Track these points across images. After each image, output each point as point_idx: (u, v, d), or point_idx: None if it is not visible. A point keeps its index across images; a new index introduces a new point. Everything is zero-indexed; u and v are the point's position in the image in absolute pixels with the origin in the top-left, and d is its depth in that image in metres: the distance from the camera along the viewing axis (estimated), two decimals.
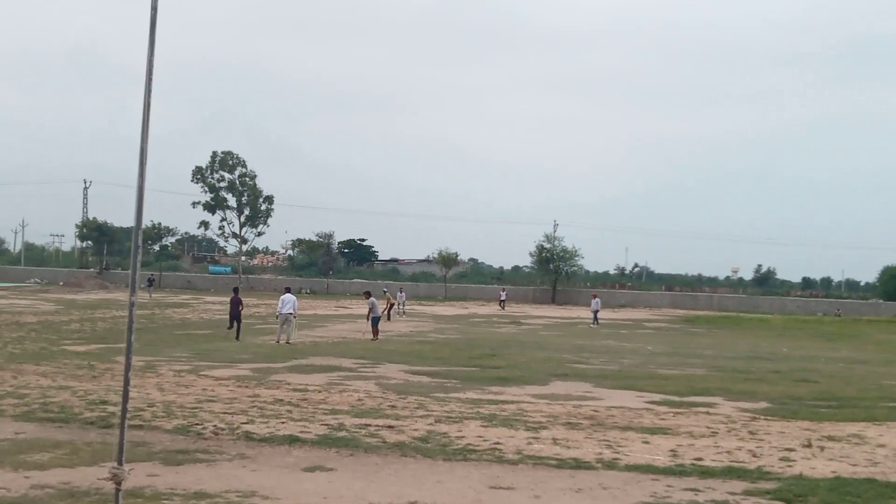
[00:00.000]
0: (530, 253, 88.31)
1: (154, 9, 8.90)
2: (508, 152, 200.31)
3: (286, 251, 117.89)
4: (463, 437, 13.38)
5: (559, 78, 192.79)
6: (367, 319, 34.45)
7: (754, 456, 12.59)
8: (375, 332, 33.57)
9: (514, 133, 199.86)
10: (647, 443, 13.41)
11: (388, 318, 42.26)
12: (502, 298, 67.43)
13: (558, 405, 17.51)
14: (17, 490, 9.60)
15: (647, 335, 42.60)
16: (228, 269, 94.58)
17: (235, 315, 32.31)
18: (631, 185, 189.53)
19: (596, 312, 49.73)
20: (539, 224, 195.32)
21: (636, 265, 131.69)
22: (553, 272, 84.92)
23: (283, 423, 14.22)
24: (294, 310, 30.57)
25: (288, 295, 30.98)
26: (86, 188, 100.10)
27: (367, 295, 36.36)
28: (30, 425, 13.55)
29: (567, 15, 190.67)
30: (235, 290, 34.84)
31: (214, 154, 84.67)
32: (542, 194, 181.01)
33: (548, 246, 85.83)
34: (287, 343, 29.09)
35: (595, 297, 52.60)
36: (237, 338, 30.97)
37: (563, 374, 23.21)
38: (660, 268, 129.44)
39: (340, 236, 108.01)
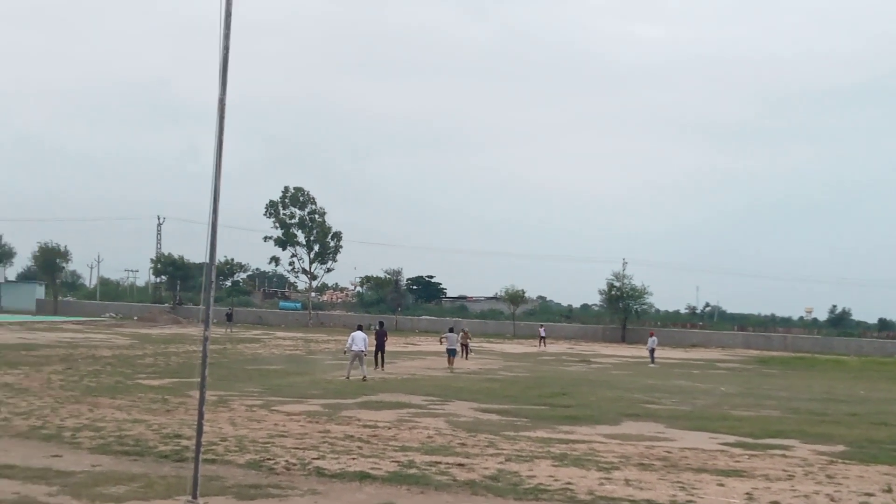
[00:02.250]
0: (599, 291, 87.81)
1: (226, 48, 9.09)
2: (576, 189, 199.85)
3: (355, 287, 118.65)
4: (534, 476, 13.28)
5: (627, 114, 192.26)
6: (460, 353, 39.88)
7: (832, 501, 12.32)
8: (450, 361, 37.73)
9: (581, 170, 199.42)
10: (721, 485, 13.19)
11: (466, 357, 42.46)
12: (542, 335, 66.89)
13: (630, 445, 17.30)
14: None
15: (720, 375, 41.96)
16: (299, 304, 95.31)
17: (380, 346, 34.66)
18: (702, 223, 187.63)
19: (652, 351, 48.95)
20: (608, 262, 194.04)
21: (707, 304, 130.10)
22: (622, 311, 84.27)
23: (353, 459, 14.25)
24: (365, 347, 30.73)
25: (359, 332, 31.12)
26: (159, 224, 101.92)
27: (451, 330, 40.13)
28: (106, 458, 13.75)
29: (634, 51, 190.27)
30: (381, 324, 37.22)
31: (286, 189, 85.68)
32: (610, 232, 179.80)
33: (617, 284, 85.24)
34: (363, 380, 29.14)
35: (652, 335, 51.64)
36: (381, 366, 34.17)
37: (634, 414, 22.96)
38: (732, 307, 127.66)
39: (409, 273, 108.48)
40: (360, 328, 32.18)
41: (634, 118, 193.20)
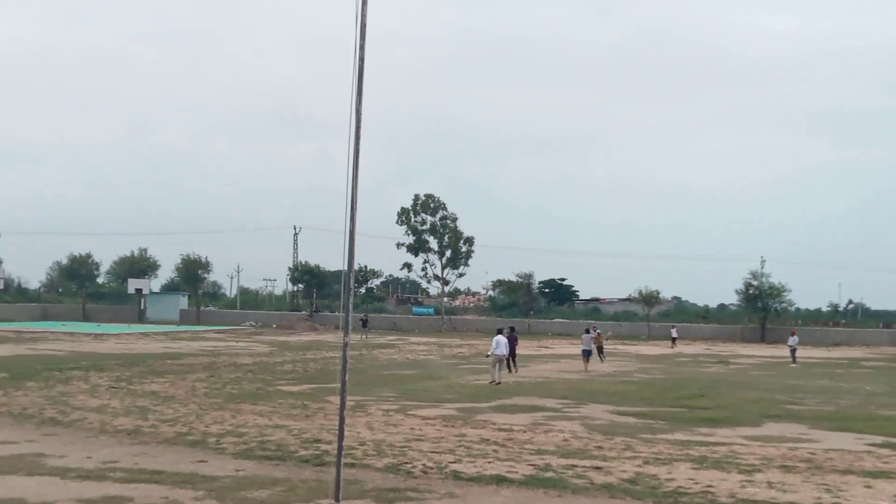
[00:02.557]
0: (736, 290, 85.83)
1: (361, 59, 9.23)
2: (710, 187, 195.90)
3: (487, 292, 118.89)
4: (673, 479, 13.08)
5: (759, 108, 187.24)
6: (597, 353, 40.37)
7: None
8: (586, 363, 38.29)
9: (714, 167, 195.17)
10: (869, 487, 12.76)
11: (602, 360, 41.98)
12: (674, 336, 65.54)
13: (772, 447, 16.88)
14: None
15: (865, 374, 40.55)
16: (431, 310, 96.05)
17: (511, 351, 34.46)
18: (840, 217, 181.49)
19: (794, 350, 47.56)
20: (745, 260, 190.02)
21: (850, 301, 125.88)
22: (761, 310, 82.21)
23: (489, 462, 14.28)
24: (506, 351, 30.79)
25: (501, 336, 31.12)
26: (296, 234, 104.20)
27: (586, 332, 40.57)
28: (249, 463, 14.11)
29: (764, 44, 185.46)
30: (512, 329, 37.52)
31: (417, 197, 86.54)
32: (746, 229, 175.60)
33: (755, 283, 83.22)
34: (496, 384, 29.13)
35: (793, 333, 50.06)
36: (514, 370, 34.68)
37: (775, 416, 22.39)
38: (876, 304, 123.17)
39: (540, 276, 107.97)
40: (500, 332, 32.14)
41: (766, 112, 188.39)
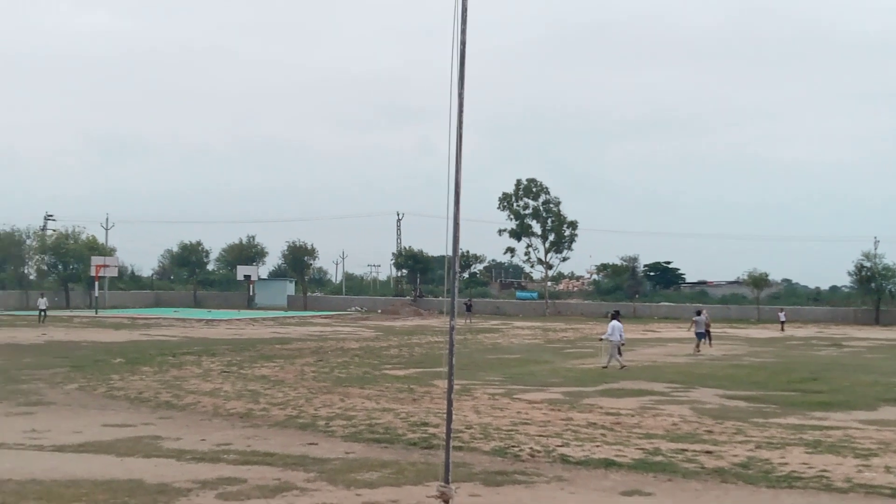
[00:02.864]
0: (849, 272, 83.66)
1: (462, 43, 9.21)
2: (820, 167, 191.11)
3: (591, 276, 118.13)
4: (786, 463, 12.82)
5: (872, 86, 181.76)
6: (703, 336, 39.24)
7: None
8: (698, 346, 38.12)
9: (824, 147, 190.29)
10: None
11: (710, 344, 40.86)
12: (782, 320, 63.99)
13: (889, 431, 16.41)
14: None
15: None
16: (535, 294, 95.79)
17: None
18: None
19: None
20: (857, 241, 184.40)
21: None
22: (875, 291, 80.00)
23: (597, 446, 14.19)
24: (622, 336, 30.29)
25: (616, 321, 30.67)
26: (399, 220, 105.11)
27: (698, 314, 40.29)
28: (358, 445, 14.28)
29: (877, 18, 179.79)
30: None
31: (519, 182, 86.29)
32: (859, 209, 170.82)
33: (868, 264, 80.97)
34: (603, 368, 28.86)
35: None
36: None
37: (892, 399, 21.76)
38: None
39: (645, 259, 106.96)
40: (615, 316, 31.71)
41: (878, 88, 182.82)
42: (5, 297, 77.70)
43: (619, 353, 29.95)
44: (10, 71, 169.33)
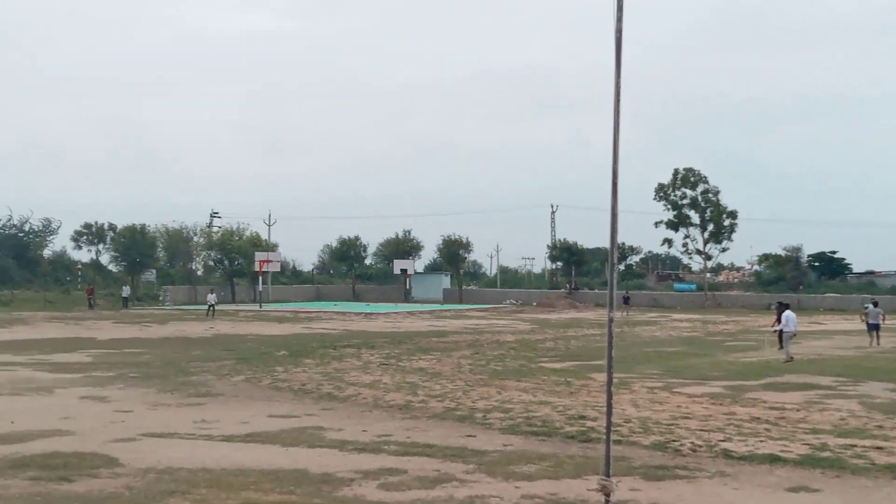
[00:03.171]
0: None
1: (618, 31, 9.10)
2: None
3: (752, 266, 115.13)
4: None
5: None
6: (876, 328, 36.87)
7: None
8: (872, 337, 36.24)
9: None
10: None
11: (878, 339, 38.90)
12: None
13: None
14: (510, 499, 10.16)
15: None
16: (693, 286, 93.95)
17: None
18: None
19: None
20: None
21: None
22: None
23: (761, 441, 13.85)
24: (795, 327, 29.57)
25: (790, 312, 29.95)
26: (553, 212, 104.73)
27: (874, 304, 38.46)
28: (515, 438, 14.32)
29: None
30: (781, 304, 35.35)
31: (676, 171, 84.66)
32: None
33: None
34: (786, 360, 28.02)
35: None
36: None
37: None
38: None
39: (809, 249, 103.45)
40: (788, 307, 31.02)
41: None
42: (175, 292, 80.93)
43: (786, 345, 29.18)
44: (177, 72, 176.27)
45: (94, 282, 76.31)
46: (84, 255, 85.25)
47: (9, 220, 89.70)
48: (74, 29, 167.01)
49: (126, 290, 70.81)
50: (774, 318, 33.77)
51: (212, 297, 59.47)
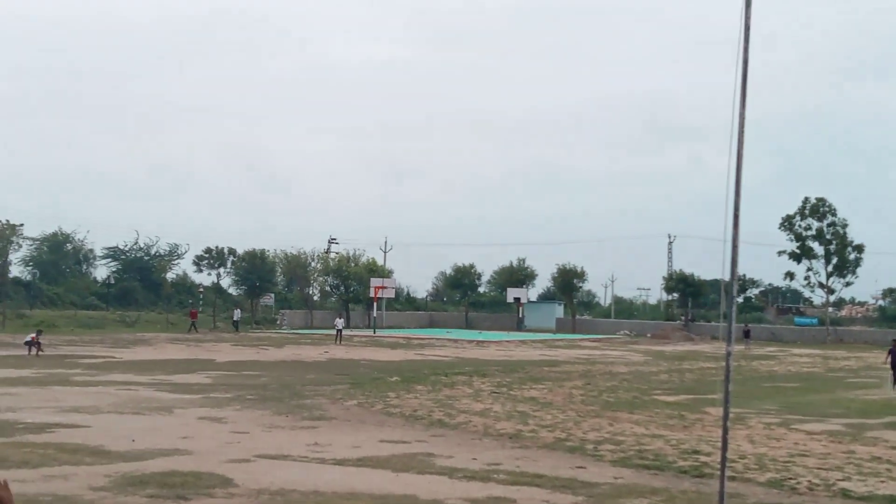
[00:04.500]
0: None
1: (745, 61, 9.01)
2: None
3: (876, 301, 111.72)
4: None
5: None
6: None
7: None
8: None
9: None
10: None
11: None
12: None
13: None
14: None
15: None
16: (815, 320, 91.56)
17: (894, 364, 31.83)
18: None
19: None
20: None
21: None
22: None
23: (882, 482, 13.44)
24: None
25: None
26: (670, 242, 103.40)
27: None
28: (626, 471, 14.16)
29: None
30: (895, 341, 33.85)
31: (806, 200, 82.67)
32: None
33: None
34: None
35: None
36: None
37: None
38: None
39: None
40: None
41: None
42: (292, 316, 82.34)
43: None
44: (295, 101, 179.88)
45: (214, 304, 78.25)
46: (205, 279, 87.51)
47: (135, 243, 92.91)
48: (199, 58, 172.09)
49: (237, 314, 71.72)
50: (887, 353, 32.58)
51: (339, 322, 60.20)
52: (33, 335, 38.33)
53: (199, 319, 69.79)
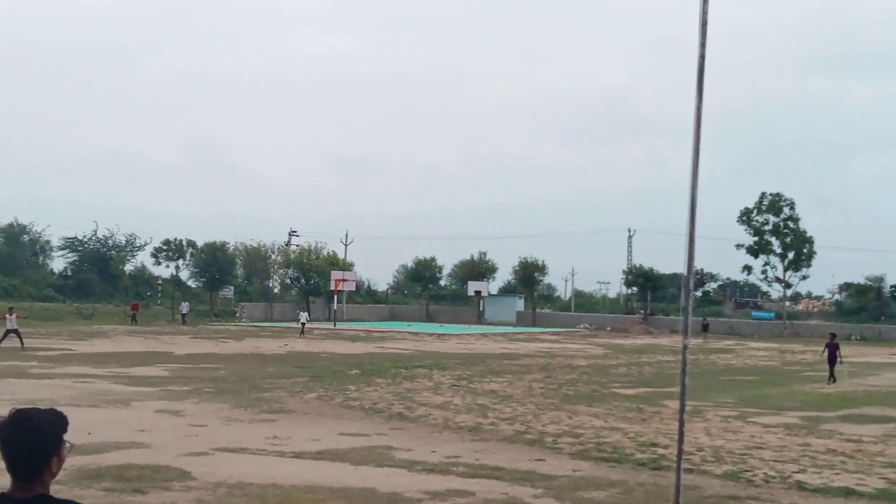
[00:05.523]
0: None
1: (701, 56, 9.05)
2: None
3: (833, 296, 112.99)
4: None
5: None
6: None
7: None
8: None
9: None
10: None
11: None
12: None
13: None
14: None
15: None
16: (772, 314, 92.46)
17: (832, 358, 32.25)
18: None
19: None
20: None
21: None
22: None
23: (837, 474, 13.59)
24: None
25: None
26: (629, 237, 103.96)
27: None
28: (585, 463, 14.23)
29: None
30: (832, 336, 34.63)
31: (762, 195, 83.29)
32: None
33: None
34: None
35: None
36: (832, 379, 31.50)
37: None
38: None
39: (892, 279, 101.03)
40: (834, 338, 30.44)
41: None
42: (251, 309, 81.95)
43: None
44: (255, 95, 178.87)
45: (173, 297, 77.59)
46: (164, 271, 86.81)
47: (94, 233, 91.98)
48: (159, 51, 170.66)
49: (186, 307, 70.89)
50: (824, 347, 32.93)
51: (304, 316, 59.98)
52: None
53: (158, 312, 69.25)
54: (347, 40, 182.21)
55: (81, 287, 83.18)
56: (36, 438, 3.24)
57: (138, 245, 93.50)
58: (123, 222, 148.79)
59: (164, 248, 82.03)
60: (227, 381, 26.25)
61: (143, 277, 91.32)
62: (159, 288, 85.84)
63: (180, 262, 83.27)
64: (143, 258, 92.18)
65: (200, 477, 12.18)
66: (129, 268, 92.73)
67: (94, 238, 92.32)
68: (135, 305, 68.78)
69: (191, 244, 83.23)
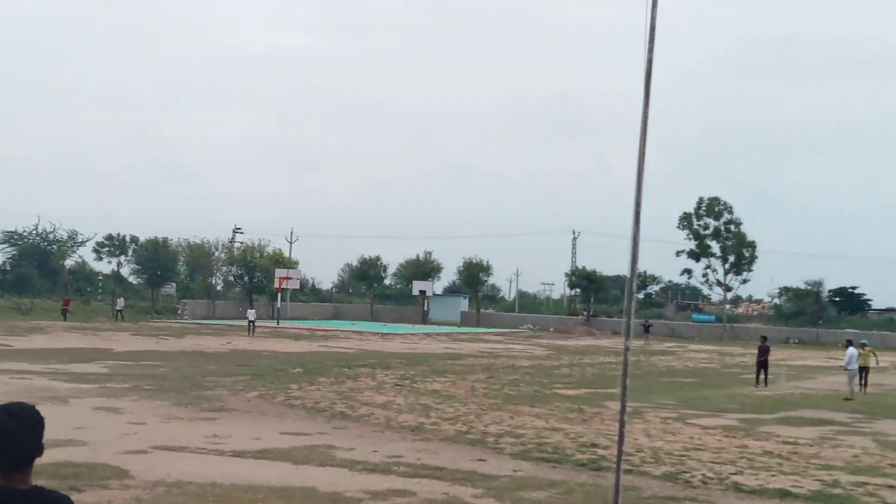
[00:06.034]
0: None
1: (649, 61, 9.14)
2: None
3: (772, 300, 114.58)
4: None
5: None
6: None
7: None
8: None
9: None
10: None
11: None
12: None
13: None
14: None
15: None
16: (713, 317, 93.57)
17: (763, 362, 32.54)
18: None
19: None
20: None
21: None
22: None
23: (773, 475, 13.79)
24: (857, 364, 29.04)
25: (852, 349, 29.38)
26: (574, 238, 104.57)
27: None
28: (526, 463, 14.30)
29: None
30: (763, 339, 34.99)
31: (701, 200, 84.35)
32: None
33: None
34: (849, 399, 27.61)
35: None
36: (763, 384, 31.72)
37: None
38: None
39: (830, 284, 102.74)
40: (851, 343, 30.46)
41: None
42: (193, 306, 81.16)
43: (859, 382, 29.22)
44: (201, 89, 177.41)
45: (114, 293, 76.53)
46: (105, 267, 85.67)
47: (34, 228, 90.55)
48: (101, 43, 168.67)
49: (121, 303, 69.70)
50: (758, 350, 33.25)
51: (252, 313, 59.13)
52: None
53: (98, 308, 68.26)
54: (296, 36, 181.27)
55: (20, 282, 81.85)
56: (30, 430, 3.48)
57: (80, 240, 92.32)
58: (67, 217, 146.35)
59: (107, 243, 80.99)
60: (167, 378, 25.98)
61: (83, 273, 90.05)
62: (100, 284, 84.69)
63: (122, 258, 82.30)
64: (85, 254, 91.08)
65: (138, 475, 12.05)
66: (70, 263, 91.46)
67: (34, 233, 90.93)
68: (66, 300, 67.66)
69: (133, 240, 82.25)
